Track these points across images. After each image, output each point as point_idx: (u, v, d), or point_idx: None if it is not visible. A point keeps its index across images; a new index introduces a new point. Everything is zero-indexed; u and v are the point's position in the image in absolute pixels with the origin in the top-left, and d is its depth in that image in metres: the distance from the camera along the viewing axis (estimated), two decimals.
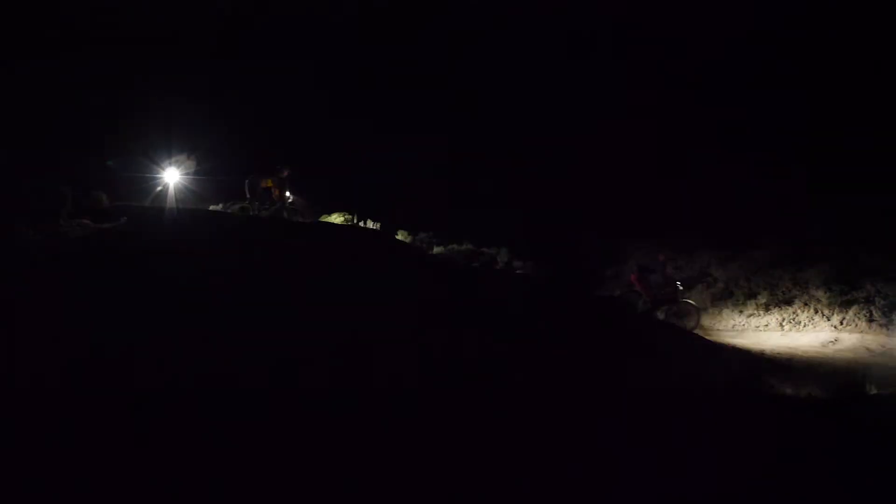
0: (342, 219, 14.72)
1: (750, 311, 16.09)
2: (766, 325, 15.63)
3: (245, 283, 7.22)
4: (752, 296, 16.46)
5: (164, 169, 13.15)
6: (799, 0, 18.75)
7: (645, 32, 19.74)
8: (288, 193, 14.02)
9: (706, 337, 13.85)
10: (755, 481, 4.11)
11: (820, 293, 15.80)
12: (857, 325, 14.85)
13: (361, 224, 14.61)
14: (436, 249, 14.59)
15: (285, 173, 13.92)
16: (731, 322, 15.85)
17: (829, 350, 13.63)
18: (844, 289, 15.53)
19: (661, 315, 14.64)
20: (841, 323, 15.18)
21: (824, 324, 14.99)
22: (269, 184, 13.73)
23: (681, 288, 14.88)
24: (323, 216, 14.86)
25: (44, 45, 17.29)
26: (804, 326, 15.23)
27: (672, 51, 19.57)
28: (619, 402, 5.92)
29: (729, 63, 18.92)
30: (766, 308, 16.10)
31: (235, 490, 3.42)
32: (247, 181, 13.84)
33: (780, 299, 16.10)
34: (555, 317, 9.64)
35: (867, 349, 13.53)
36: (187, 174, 13.33)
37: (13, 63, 16.05)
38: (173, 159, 13.31)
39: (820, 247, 16.56)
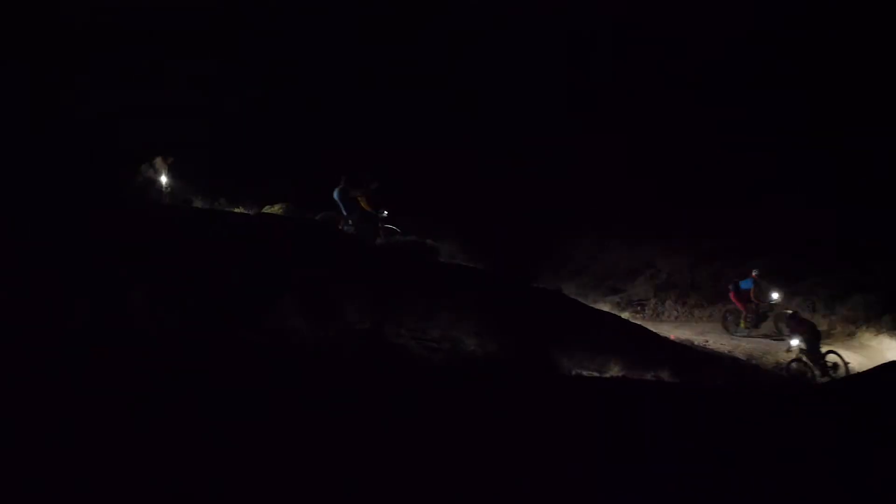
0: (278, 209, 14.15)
1: (693, 302, 15.95)
2: (710, 316, 15.54)
3: None
4: (695, 287, 16.28)
5: (154, 171, 13.39)
6: (799, 0, 18.76)
7: (645, 32, 19.73)
8: (384, 210, 12.83)
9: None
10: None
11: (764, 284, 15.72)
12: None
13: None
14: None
15: (374, 185, 12.54)
16: (674, 313, 15.71)
17: (773, 341, 13.88)
18: (788, 281, 15.50)
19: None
20: None
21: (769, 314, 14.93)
22: (358, 195, 12.47)
23: (779, 300, 14.76)
24: (266, 207, 14.37)
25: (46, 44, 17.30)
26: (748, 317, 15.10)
27: (672, 51, 19.56)
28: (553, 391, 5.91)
29: (729, 63, 18.92)
30: (710, 299, 15.95)
31: (235, 490, 3.42)
32: (336, 191, 12.43)
33: (723, 291, 15.92)
34: (491, 306, 9.65)
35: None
36: (165, 177, 13.44)
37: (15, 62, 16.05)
38: (150, 162, 13.43)
39: (763, 240, 16.35)
